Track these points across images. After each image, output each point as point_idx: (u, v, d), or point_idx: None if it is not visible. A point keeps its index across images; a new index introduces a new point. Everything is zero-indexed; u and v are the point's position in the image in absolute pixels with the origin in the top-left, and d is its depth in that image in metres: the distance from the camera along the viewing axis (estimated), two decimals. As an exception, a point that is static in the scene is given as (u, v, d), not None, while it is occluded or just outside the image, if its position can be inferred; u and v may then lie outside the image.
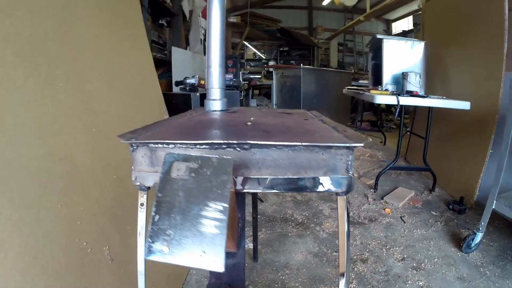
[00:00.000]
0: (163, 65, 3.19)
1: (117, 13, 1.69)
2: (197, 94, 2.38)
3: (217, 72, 1.22)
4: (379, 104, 4.22)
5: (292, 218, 2.50)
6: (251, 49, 10.61)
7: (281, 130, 0.82)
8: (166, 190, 0.46)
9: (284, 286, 1.73)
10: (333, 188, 0.67)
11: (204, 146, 0.59)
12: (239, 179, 0.61)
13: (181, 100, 2.41)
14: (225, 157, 0.49)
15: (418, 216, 2.54)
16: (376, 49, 3.49)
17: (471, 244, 1.98)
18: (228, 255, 0.91)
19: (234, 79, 3.04)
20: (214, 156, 0.49)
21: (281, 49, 10.68)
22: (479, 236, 1.95)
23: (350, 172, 0.67)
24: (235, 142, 0.59)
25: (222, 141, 0.58)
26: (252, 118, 0.99)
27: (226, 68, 1.21)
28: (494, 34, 2.55)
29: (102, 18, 1.54)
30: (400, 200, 2.78)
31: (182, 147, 0.61)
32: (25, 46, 1.04)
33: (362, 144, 0.62)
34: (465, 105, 2.53)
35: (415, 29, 9.76)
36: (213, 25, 1.20)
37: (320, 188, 0.66)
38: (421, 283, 1.73)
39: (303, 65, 5.59)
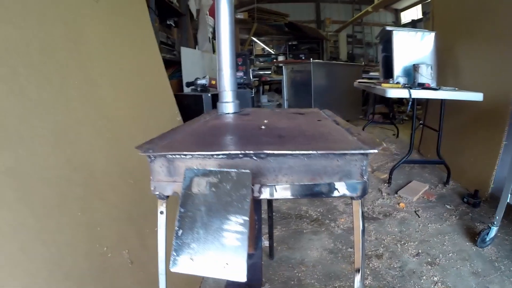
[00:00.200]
0: (172, 65, 3.21)
1: (124, 17, 1.71)
2: (209, 95, 2.40)
3: (228, 74, 1.23)
4: (390, 97, 4.17)
5: (307, 215, 2.51)
6: (260, 44, 10.58)
7: (295, 134, 0.83)
8: (188, 205, 0.47)
9: (300, 283, 1.74)
10: (348, 193, 0.68)
11: (221, 156, 0.61)
12: (256, 187, 0.62)
13: (193, 101, 2.43)
14: (243, 170, 0.50)
15: (432, 210, 2.52)
16: (386, 41, 3.44)
17: (485, 238, 1.96)
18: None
19: (244, 77, 3.05)
20: (233, 170, 0.50)
21: (290, 43, 10.61)
22: (493, 230, 1.93)
23: (365, 177, 0.68)
24: (252, 152, 0.60)
25: (239, 152, 0.60)
26: (265, 121, 0.99)
27: (236, 67, 1.22)
28: (508, 24, 2.49)
29: (110, 23, 1.56)
30: (414, 194, 2.76)
31: (199, 157, 0.62)
32: (35, 57, 1.05)
33: (376, 151, 0.63)
34: (478, 96, 2.48)
35: (424, 18, 9.59)
36: (222, 28, 1.20)
37: (336, 194, 0.67)
38: (435, 279, 1.73)
39: (312, 58, 5.55)
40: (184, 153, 0.62)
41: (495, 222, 1.91)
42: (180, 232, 0.45)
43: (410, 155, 3.02)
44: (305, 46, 10.57)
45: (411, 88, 2.69)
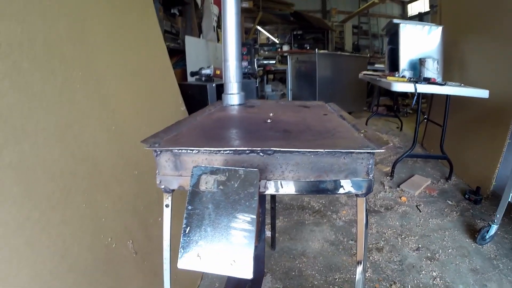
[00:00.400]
0: (176, 54, 3.19)
1: (128, 8, 1.68)
2: (213, 84, 2.39)
3: (234, 66, 1.22)
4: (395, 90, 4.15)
5: (309, 206, 2.52)
6: (265, 33, 10.48)
7: (301, 129, 0.83)
8: (195, 203, 0.47)
9: (301, 274, 1.76)
10: (353, 191, 0.68)
11: (228, 152, 0.61)
12: (262, 182, 0.62)
13: (197, 91, 2.43)
14: (251, 169, 0.50)
15: (434, 205, 2.53)
16: (393, 34, 3.40)
17: (485, 236, 1.96)
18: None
19: (248, 67, 3.03)
20: (241, 168, 0.50)
21: (295, 32, 10.50)
22: (494, 228, 1.93)
23: (370, 175, 0.68)
24: (259, 149, 0.59)
25: (246, 148, 0.59)
26: (271, 114, 0.99)
27: (241, 57, 1.22)
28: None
29: (114, 14, 1.54)
30: (416, 189, 2.77)
31: (206, 152, 0.62)
32: (39, 51, 1.04)
33: (383, 150, 0.63)
34: (483, 93, 2.46)
35: (431, 10, 9.45)
36: (228, 19, 1.19)
37: (341, 191, 0.67)
38: (434, 274, 1.74)
39: (317, 49, 5.49)
40: (191, 148, 0.62)
41: (495, 220, 1.91)
42: (187, 229, 0.45)
43: (413, 149, 3.02)
44: (310, 36, 10.46)
45: (416, 82, 2.66)
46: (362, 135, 0.77)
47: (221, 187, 0.49)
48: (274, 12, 8.94)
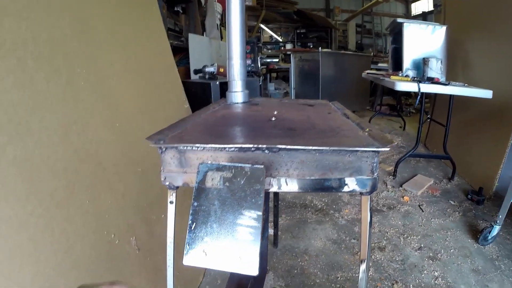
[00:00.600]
0: (180, 52, 3.19)
1: (132, 5, 1.68)
2: (217, 82, 2.38)
3: (238, 64, 1.22)
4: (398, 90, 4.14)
5: (312, 205, 2.53)
6: (268, 32, 10.46)
7: (305, 127, 0.83)
8: (201, 199, 0.47)
9: (303, 272, 1.76)
10: (358, 189, 0.68)
11: (233, 149, 0.61)
12: (267, 180, 0.62)
13: (201, 89, 2.42)
14: (257, 166, 0.50)
15: (436, 205, 2.52)
16: (397, 33, 3.39)
17: (487, 236, 1.96)
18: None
19: (252, 65, 3.02)
20: (247, 165, 0.50)
21: (298, 31, 10.49)
22: (496, 229, 1.93)
23: (375, 174, 0.68)
24: (264, 146, 0.60)
25: (251, 145, 0.59)
26: (275, 113, 0.99)
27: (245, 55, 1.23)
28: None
29: (118, 11, 1.54)
30: (419, 188, 2.76)
31: (211, 149, 0.62)
32: (43, 48, 1.04)
33: (388, 149, 0.63)
34: (487, 93, 2.45)
35: (435, 10, 9.40)
36: (232, 17, 1.19)
37: (346, 189, 0.67)
38: (436, 274, 1.74)
39: (321, 47, 5.48)
40: (196, 145, 0.62)
41: (498, 221, 1.91)
42: (193, 225, 0.46)
43: (416, 148, 3.01)
44: (313, 35, 10.43)
45: (420, 81, 2.65)
46: (366, 133, 0.77)
47: (227, 184, 0.49)
48: (277, 10, 8.92)
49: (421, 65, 3.06)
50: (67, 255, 0.94)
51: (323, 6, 12.26)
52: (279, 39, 10.80)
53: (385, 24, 11.14)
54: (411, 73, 3.05)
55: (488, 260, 1.84)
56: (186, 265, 0.44)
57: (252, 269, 0.44)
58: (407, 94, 6.72)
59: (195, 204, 0.47)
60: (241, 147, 0.60)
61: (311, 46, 9.25)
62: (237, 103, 1.22)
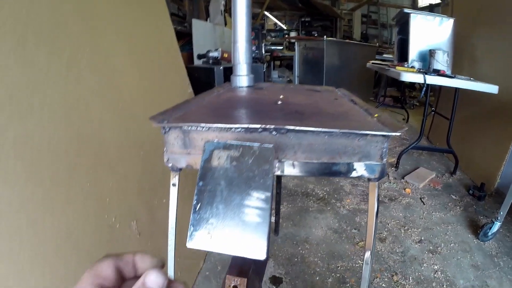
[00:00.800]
0: (183, 38, 3.15)
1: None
2: (221, 67, 2.36)
3: (243, 47, 1.19)
4: (403, 80, 4.11)
5: (313, 193, 2.52)
6: (272, 19, 10.34)
7: (313, 111, 0.80)
8: (207, 179, 0.45)
9: (303, 260, 1.76)
10: (366, 174, 0.66)
11: (239, 130, 0.59)
12: (274, 162, 0.60)
13: (204, 74, 2.40)
14: (266, 145, 0.48)
15: (437, 198, 2.52)
16: (403, 23, 3.35)
17: (488, 232, 1.96)
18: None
19: (256, 51, 2.99)
20: (255, 144, 0.48)
21: (303, 19, 10.36)
22: (496, 225, 1.93)
23: (384, 160, 0.66)
24: (272, 126, 0.57)
25: (259, 126, 0.57)
26: (281, 96, 0.97)
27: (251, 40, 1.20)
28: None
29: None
30: (420, 181, 2.75)
31: (216, 129, 0.60)
32: (46, 27, 1.01)
33: (399, 133, 0.60)
34: (493, 88, 2.43)
35: (442, 2, 9.27)
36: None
37: (354, 174, 0.65)
38: (436, 267, 1.74)
39: (325, 36, 5.41)
40: (202, 124, 0.60)
41: (499, 218, 1.90)
42: (198, 206, 0.43)
43: (420, 141, 2.99)
44: (318, 23, 10.31)
45: (426, 73, 2.62)
46: (375, 119, 0.75)
47: (234, 163, 0.47)
48: (282, -3, 8.80)
49: (427, 57, 3.02)
50: (67, 238, 0.93)
51: (328, -5, 12.10)
52: (284, 27, 10.68)
53: (391, 15, 10.98)
54: (416, 65, 3.02)
55: (487, 256, 1.84)
56: (190, 248, 0.42)
57: (260, 253, 0.42)
58: (411, 87, 6.67)
59: (200, 183, 0.45)
60: (248, 127, 0.58)
61: (316, 35, 9.13)
62: (242, 87, 1.19)
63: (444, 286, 1.61)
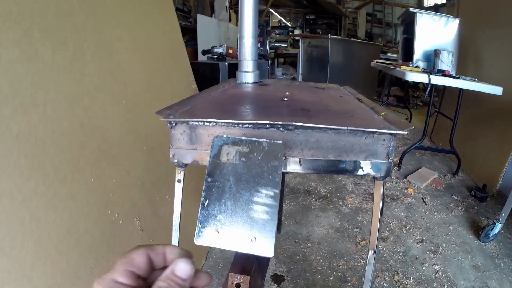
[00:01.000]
0: (187, 33, 3.14)
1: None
2: (226, 63, 2.35)
3: (250, 44, 1.18)
4: (408, 80, 4.10)
5: (316, 191, 2.52)
6: (277, 16, 10.30)
7: (320, 108, 0.80)
8: (215, 175, 0.45)
9: (305, 258, 1.76)
10: (372, 172, 0.66)
11: (247, 126, 0.58)
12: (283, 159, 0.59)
13: (208, 69, 2.39)
14: (275, 141, 0.47)
15: (439, 199, 2.51)
16: (409, 23, 3.32)
17: (489, 233, 1.95)
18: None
19: (261, 48, 2.98)
20: (264, 140, 0.47)
21: (307, 17, 10.32)
22: (498, 227, 1.92)
23: (390, 158, 0.65)
24: (280, 123, 0.57)
25: (267, 122, 0.57)
26: (287, 93, 0.96)
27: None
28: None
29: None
30: (423, 181, 2.74)
31: (223, 125, 0.60)
32: (51, 20, 1.01)
33: (406, 132, 0.60)
34: (497, 90, 2.41)
35: (448, 3, 9.22)
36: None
37: (360, 172, 0.65)
38: (437, 267, 1.74)
39: (330, 34, 5.39)
40: (209, 120, 0.59)
41: (500, 219, 1.90)
42: (206, 202, 0.43)
43: (423, 141, 2.98)
44: (323, 21, 10.27)
45: (431, 73, 2.60)
46: (382, 117, 0.75)
47: (243, 159, 0.46)
48: (287, -5, 8.76)
49: (431, 57, 3.00)
50: (70, 234, 0.92)
51: (333, -7, 12.04)
52: (288, 24, 10.65)
53: (396, 14, 10.93)
54: (421, 64, 3.00)
55: (488, 258, 1.84)
56: (198, 245, 0.42)
57: (267, 250, 0.42)
58: (415, 87, 6.64)
59: (209, 179, 0.44)
60: (255, 124, 0.57)
61: (320, 33, 9.11)
62: (247, 83, 1.19)
63: (445, 287, 1.61)
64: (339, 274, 1.66)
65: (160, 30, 1.72)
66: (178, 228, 0.73)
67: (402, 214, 2.26)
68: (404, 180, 2.81)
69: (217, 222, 0.42)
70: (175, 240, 0.74)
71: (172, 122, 0.64)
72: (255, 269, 0.79)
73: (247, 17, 1.16)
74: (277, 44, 7.29)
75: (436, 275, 1.68)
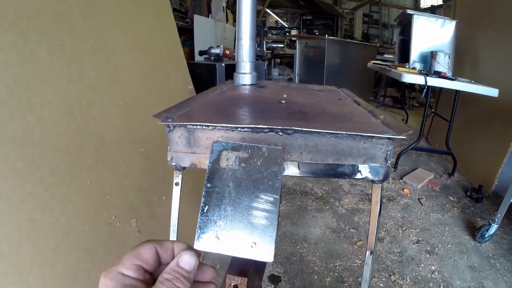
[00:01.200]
0: (184, 33, 3.14)
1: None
2: (223, 64, 2.34)
3: (247, 45, 1.18)
4: (404, 81, 4.11)
5: (312, 192, 2.52)
6: (274, 17, 10.31)
7: (318, 112, 0.80)
8: (215, 180, 0.45)
9: (302, 259, 1.76)
10: (370, 176, 0.66)
11: (245, 130, 0.58)
12: (283, 164, 0.60)
13: (206, 70, 2.38)
14: (275, 147, 0.47)
15: (435, 199, 2.52)
16: (405, 24, 3.34)
17: (485, 234, 1.97)
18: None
19: (258, 49, 2.98)
20: (264, 145, 0.47)
21: (304, 17, 10.36)
22: (494, 228, 1.94)
23: (388, 162, 0.66)
24: (279, 127, 0.57)
25: (265, 126, 0.57)
26: (285, 96, 0.96)
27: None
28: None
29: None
30: (419, 182, 2.76)
31: (222, 129, 0.59)
32: (48, 22, 1.00)
33: (404, 137, 0.60)
34: (493, 92, 2.43)
35: (444, 4, 9.28)
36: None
37: (358, 176, 0.65)
38: (433, 268, 1.75)
39: (327, 35, 5.41)
40: (207, 124, 0.59)
41: (496, 220, 1.91)
42: (206, 208, 0.43)
43: (419, 142, 2.99)
44: (319, 22, 10.30)
45: (427, 75, 2.62)
46: (380, 121, 0.75)
47: (243, 164, 0.46)
48: (284, -5, 8.77)
49: (428, 59, 3.02)
50: (67, 236, 0.92)
51: (330, -7, 12.06)
52: (285, 24, 10.66)
53: (392, 15, 10.99)
54: (418, 66, 3.02)
55: (484, 258, 1.85)
56: (197, 250, 0.42)
57: (267, 255, 0.42)
58: (411, 88, 6.67)
59: (208, 185, 0.44)
60: (254, 128, 0.57)
61: (317, 33, 9.13)
62: (245, 84, 1.19)
63: (441, 287, 1.62)
64: (336, 274, 1.67)
65: (157, 31, 1.72)
66: (176, 230, 0.73)
67: (398, 214, 2.27)
68: (400, 180, 2.83)
69: (217, 227, 0.42)
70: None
71: (170, 125, 0.64)
72: (252, 270, 0.79)
73: (245, 19, 1.16)
74: (274, 45, 7.30)
75: (432, 275, 1.69)
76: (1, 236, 0.75)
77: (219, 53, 2.54)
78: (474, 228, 2.11)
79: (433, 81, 2.60)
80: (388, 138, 0.63)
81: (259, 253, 0.42)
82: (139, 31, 1.53)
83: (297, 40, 6.17)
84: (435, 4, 10.39)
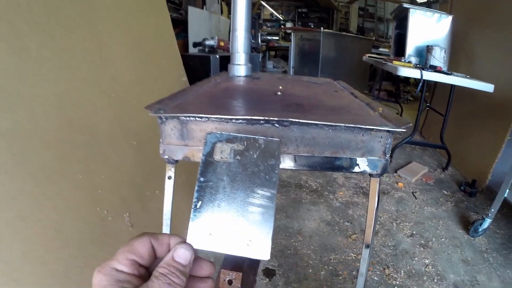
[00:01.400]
0: (178, 25, 3.09)
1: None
2: (217, 56, 2.31)
3: (242, 36, 1.16)
4: (400, 75, 4.11)
5: (307, 185, 2.52)
6: (269, 9, 10.23)
7: (314, 104, 0.78)
8: (209, 174, 0.42)
9: (296, 252, 1.76)
10: (368, 170, 0.65)
11: (240, 121, 0.56)
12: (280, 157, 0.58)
13: (200, 62, 2.35)
14: (272, 139, 0.45)
15: (429, 193, 2.53)
16: (401, 18, 3.33)
17: (478, 228, 1.98)
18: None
19: (253, 41, 2.94)
20: (261, 137, 0.45)
21: (299, 10, 10.29)
22: (487, 222, 1.95)
23: (387, 155, 0.64)
24: (275, 119, 0.55)
25: (261, 117, 0.55)
26: (280, 87, 0.94)
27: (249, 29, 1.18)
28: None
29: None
30: (413, 176, 2.76)
31: (216, 120, 0.57)
32: (38, 13, 0.97)
33: (404, 130, 0.59)
34: (488, 87, 2.43)
35: (440, 0, 9.27)
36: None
37: (356, 169, 0.64)
38: (427, 261, 1.76)
39: (322, 28, 5.38)
40: (200, 115, 0.57)
41: (489, 214, 1.92)
42: (199, 203, 0.41)
43: (413, 136, 3.00)
44: (315, 15, 10.25)
45: (423, 69, 2.62)
46: (378, 113, 0.73)
47: (238, 157, 0.44)
48: (279, -12, 8.69)
49: (424, 53, 3.02)
50: (58, 233, 0.90)
51: (326, -13, 11.98)
52: (280, 17, 10.59)
53: (388, 9, 10.94)
54: (413, 60, 3.01)
55: (477, 252, 1.86)
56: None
57: (263, 253, 0.40)
58: (406, 81, 6.68)
59: (202, 179, 0.42)
60: (250, 119, 0.55)
61: (312, 26, 9.08)
62: (240, 76, 1.17)
63: (435, 280, 1.63)
64: (330, 268, 1.66)
65: (151, 22, 1.68)
66: (169, 224, 0.71)
67: (393, 208, 2.28)
68: (395, 174, 2.83)
69: (211, 224, 0.40)
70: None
71: (162, 117, 0.61)
72: (247, 264, 0.78)
73: (240, 10, 1.14)
74: (268, 37, 7.26)
75: (426, 269, 1.70)
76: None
77: (214, 45, 2.51)
78: (468, 222, 2.13)
79: (429, 75, 2.60)
80: (387, 131, 0.62)
81: (255, 251, 0.40)
82: (132, 23, 1.49)
83: (292, 33, 6.13)
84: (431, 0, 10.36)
